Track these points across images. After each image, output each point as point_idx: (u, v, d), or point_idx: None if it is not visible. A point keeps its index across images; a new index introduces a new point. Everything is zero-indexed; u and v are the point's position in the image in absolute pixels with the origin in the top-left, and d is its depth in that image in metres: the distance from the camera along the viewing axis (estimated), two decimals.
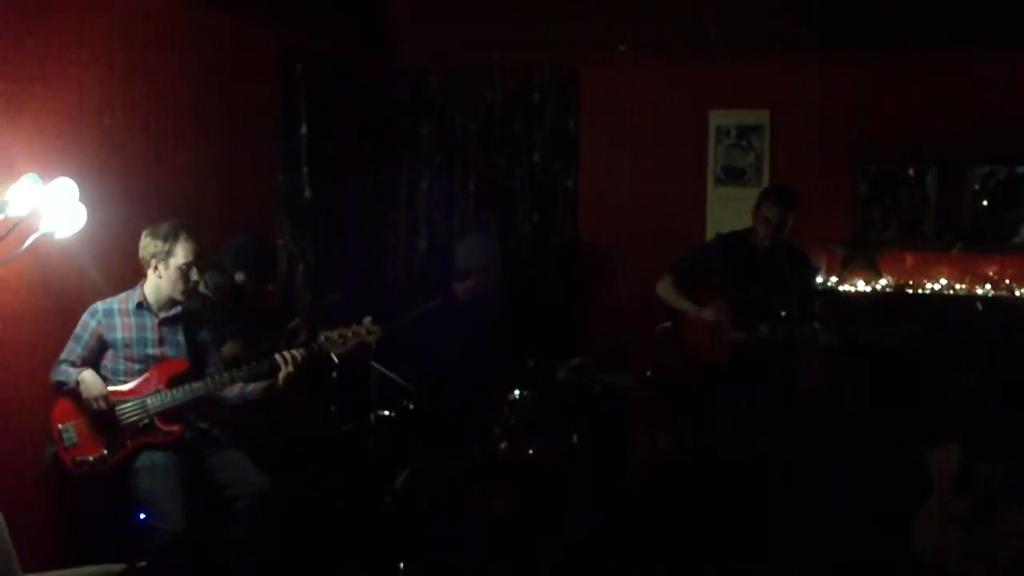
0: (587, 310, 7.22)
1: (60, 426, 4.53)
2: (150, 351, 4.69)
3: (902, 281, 6.37)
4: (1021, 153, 6.28)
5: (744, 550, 5.44)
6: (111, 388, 4.57)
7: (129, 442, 4.57)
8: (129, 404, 4.59)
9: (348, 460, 5.50)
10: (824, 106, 6.66)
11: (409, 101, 7.46)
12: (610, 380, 6.27)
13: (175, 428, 4.65)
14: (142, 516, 4.59)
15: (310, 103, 6.58)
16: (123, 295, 4.73)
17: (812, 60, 6.64)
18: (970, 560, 5.09)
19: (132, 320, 4.68)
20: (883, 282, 6.35)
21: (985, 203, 6.41)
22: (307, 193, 6.59)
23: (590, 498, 5.65)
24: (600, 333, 7.11)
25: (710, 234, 6.61)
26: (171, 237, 4.63)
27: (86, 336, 4.63)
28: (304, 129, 6.55)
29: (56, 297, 4.83)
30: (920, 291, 6.28)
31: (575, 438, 5.73)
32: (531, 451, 5.53)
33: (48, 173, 4.29)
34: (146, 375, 4.65)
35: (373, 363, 5.36)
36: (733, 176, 6.88)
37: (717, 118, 6.92)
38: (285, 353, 4.72)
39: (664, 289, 5.91)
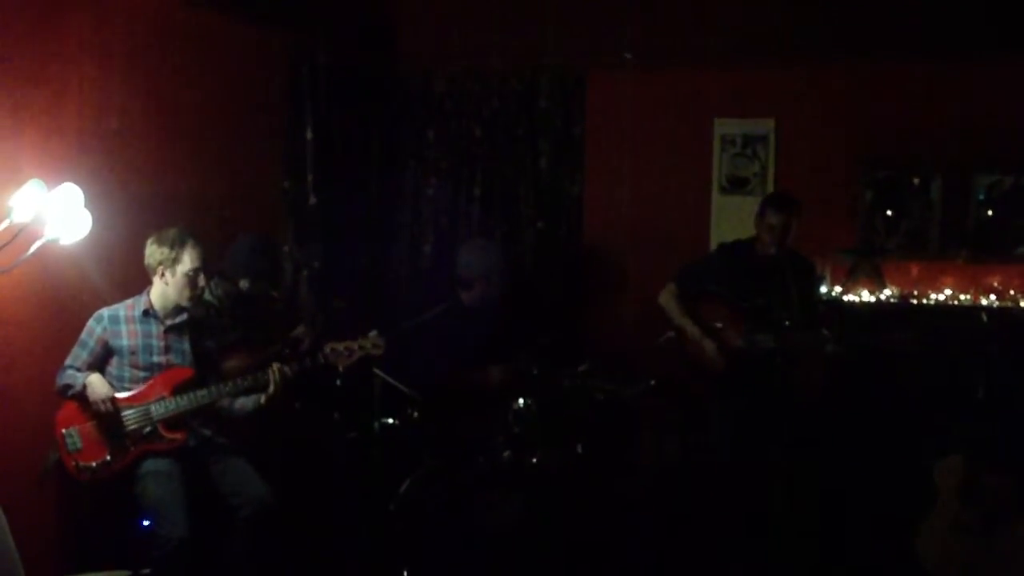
0: (591, 317, 7.21)
1: (64, 431, 4.54)
2: (155, 359, 4.69)
3: (907, 291, 6.35)
4: None
5: (749, 558, 5.43)
6: (116, 395, 4.56)
7: (133, 448, 4.58)
8: (133, 411, 4.59)
9: (352, 468, 5.49)
10: (829, 115, 6.65)
11: (415, 107, 7.45)
12: (614, 388, 6.24)
13: (179, 435, 4.65)
14: (146, 523, 4.58)
15: (316, 108, 6.58)
16: (129, 302, 4.73)
17: (817, 69, 6.63)
18: (974, 571, 5.07)
19: (138, 327, 4.68)
20: (888, 291, 6.34)
21: (990, 212, 6.39)
22: (312, 199, 6.58)
23: (594, 506, 5.64)
24: (604, 341, 7.09)
25: (714, 243, 6.59)
26: (178, 244, 4.63)
27: (91, 342, 4.63)
28: (310, 135, 6.55)
29: (61, 303, 4.83)
30: (925, 301, 6.27)
31: (579, 446, 5.72)
32: (535, 459, 5.51)
33: (53, 179, 4.29)
34: (150, 382, 4.65)
35: (376, 371, 5.35)
36: (738, 185, 6.86)
37: (722, 127, 6.91)
38: (275, 369, 4.71)
39: (667, 301, 5.90)
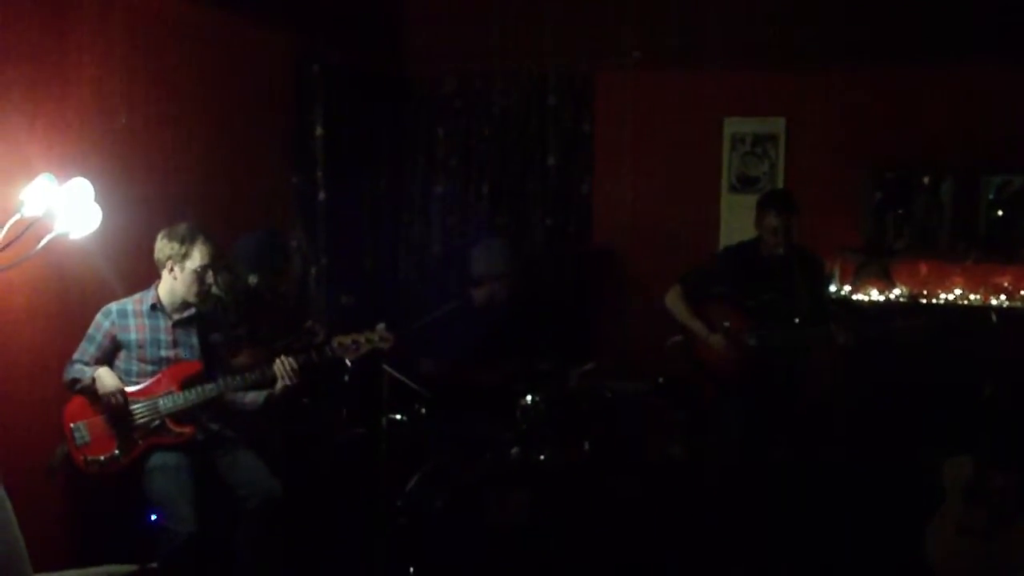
0: (600, 316, 7.21)
1: (72, 425, 4.55)
2: (163, 353, 4.70)
3: (916, 290, 6.35)
4: None
5: (756, 557, 5.43)
6: (124, 389, 4.58)
7: (141, 442, 4.59)
8: (141, 405, 4.60)
9: (359, 464, 5.49)
10: (839, 115, 6.66)
11: (424, 104, 7.47)
12: (622, 387, 6.25)
13: (187, 429, 4.66)
14: (154, 517, 4.60)
15: (326, 105, 6.59)
16: (137, 296, 4.74)
17: (827, 69, 6.63)
18: (981, 571, 5.06)
19: (146, 322, 4.69)
20: (897, 291, 6.33)
21: (1000, 212, 6.38)
22: (322, 195, 6.60)
23: (601, 504, 5.63)
24: (613, 339, 7.10)
25: (723, 242, 6.59)
26: (188, 239, 4.63)
27: (99, 337, 4.64)
28: (319, 131, 6.56)
29: (70, 297, 4.84)
30: (934, 301, 6.26)
31: (587, 445, 5.72)
32: (542, 457, 5.51)
33: (64, 173, 4.29)
34: (158, 376, 4.66)
35: (385, 367, 5.36)
36: (747, 184, 6.86)
37: (732, 126, 6.92)
38: (283, 362, 4.72)
39: (673, 302, 5.88)
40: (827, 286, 6.15)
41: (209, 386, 4.67)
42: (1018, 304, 6.12)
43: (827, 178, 6.63)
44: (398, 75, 7.39)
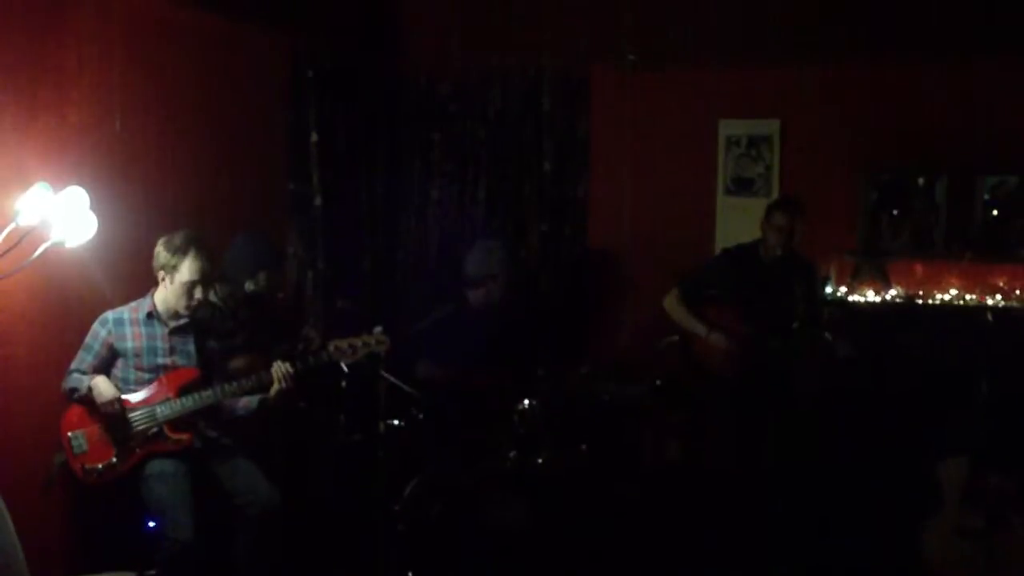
0: (596, 319, 7.21)
1: (70, 434, 4.55)
2: (160, 360, 4.70)
3: (912, 291, 6.35)
4: None
5: (753, 560, 5.43)
6: (121, 397, 4.58)
7: (139, 450, 4.58)
8: (139, 412, 4.60)
9: (357, 469, 5.50)
10: (834, 116, 6.65)
11: (419, 108, 7.46)
12: (619, 389, 6.26)
13: (184, 436, 4.66)
14: (152, 524, 4.60)
15: (321, 110, 6.59)
16: (133, 304, 4.74)
17: (822, 69, 6.62)
18: (979, 573, 5.07)
19: (142, 330, 4.69)
20: (893, 292, 6.34)
21: (995, 212, 6.39)
22: (317, 200, 6.60)
23: (599, 507, 5.64)
24: (609, 342, 7.10)
25: (719, 244, 6.59)
26: (180, 251, 4.62)
27: (96, 345, 4.64)
28: (315, 136, 6.57)
29: (67, 306, 4.84)
30: (930, 301, 6.26)
31: (584, 447, 5.72)
32: (540, 460, 5.52)
33: (59, 182, 4.30)
34: (155, 383, 4.66)
35: (383, 372, 5.36)
36: (742, 186, 6.86)
37: (727, 128, 6.91)
38: (280, 367, 4.72)
39: (671, 306, 5.91)
40: (821, 290, 6.16)
41: (206, 393, 4.67)
42: (1014, 304, 6.13)
43: (822, 179, 6.63)
44: (393, 79, 7.39)
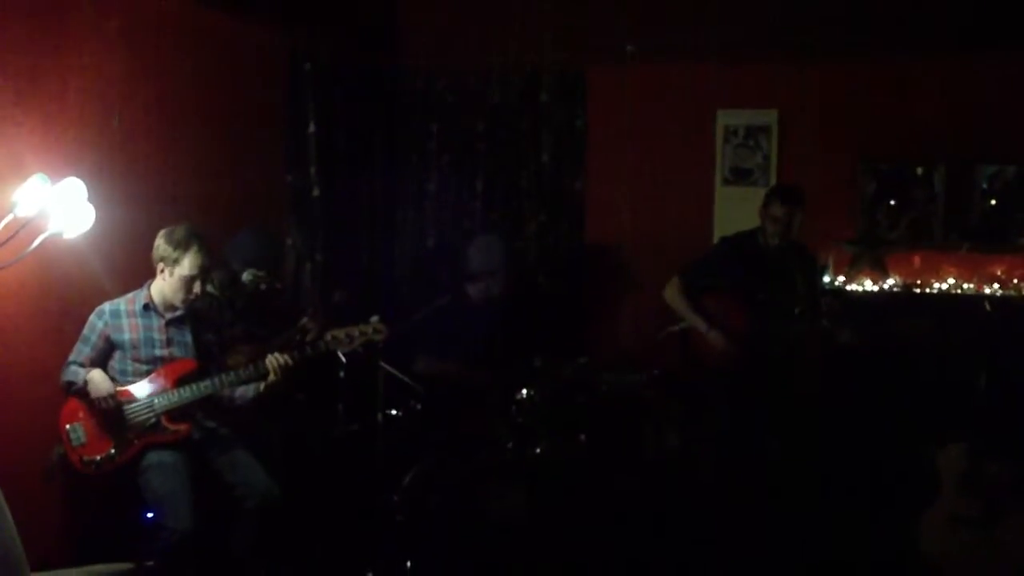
0: (595, 310, 7.22)
1: (68, 426, 4.55)
2: (157, 352, 4.70)
3: (910, 280, 6.36)
4: None
5: (751, 550, 5.44)
6: (119, 388, 4.58)
7: (137, 441, 4.59)
8: (136, 404, 4.60)
9: (355, 459, 5.50)
10: (832, 106, 6.66)
11: (417, 101, 7.46)
12: (618, 379, 6.26)
13: (182, 427, 4.67)
14: (150, 515, 4.61)
15: (318, 102, 6.59)
16: (130, 296, 4.74)
17: (820, 60, 6.62)
18: (977, 561, 5.07)
19: (139, 321, 4.69)
20: (891, 281, 6.35)
21: (993, 202, 6.40)
22: (315, 192, 6.60)
23: (598, 498, 5.65)
24: (607, 333, 7.11)
25: (718, 234, 6.60)
26: (182, 246, 4.62)
27: (93, 337, 4.64)
28: (312, 128, 6.57)
29: (64, 297, 4.83)
30: (928, 290, 6.27)
31: (582, 438, 5.73)
32: (538, 450, 5.53)
33: (57, 173, 4.30)
34: (153, 375, 4.66)
35: (381, 363, 5.37)
36: (741, 176, 6.87)
37: (725, 118, 6.91)
38: (276, 358, 4.72)
39: (672, 296, 5.91)
40: (820, 279, 6.17)
41: (204, 384, 4.67)
42: (1012, 293, 6.13)
43: (820, 169, 6.63)
44: (391, 71, 7.39)
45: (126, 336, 4.66)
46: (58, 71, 4.81)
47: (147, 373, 4.67)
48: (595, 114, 7.17)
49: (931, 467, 5.23)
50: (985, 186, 6.39)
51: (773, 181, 6.70)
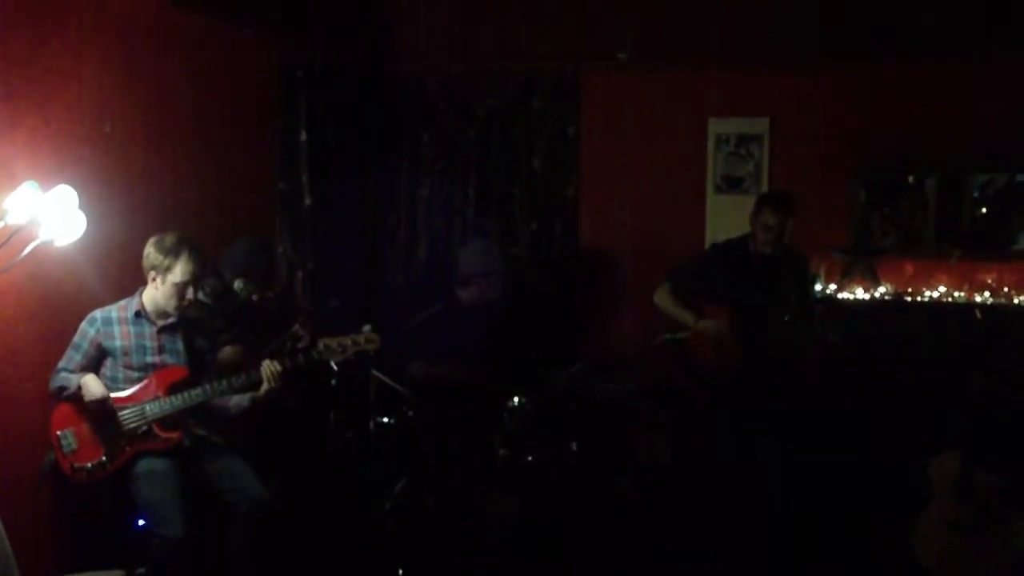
0: (587, 317, 7.22)
1: (59, 432, 4.54)
2: (149, 359, 4.69)
3: (901, 289, 6.37)
4: (1020, 160, 6.29)
5: (745, 556, 5.44)
6: (111, 395, 4.57)
7: (128, 448, 4.58)
8: (128, 411, 4.60)
9: (348, 467, 5.50)
10: (823, 114, 6.66)
11: (409, 108, 7.46)
12: (610, 387, 6.26)
13: (174, 435, 4.66)
14: (141, 523, 4.60)
15: (310, 110, 6.59)
16: (122, 303, 4.74)
17: (811, 68, 6.63)
18: (969, 567, 5.08)
19: (131, 328, 4.68)
20: (882, 289, 6.36)
21: (984, 210, 6.41)
22: (307, 200, 6.60)
23: (590, 505, 5.65)
24: (600, 340, 7.10)
25: (709, 242, 6.60)
26: (173, 253, 4.62)
27: (85, 345, 4.63)
28: (304, 136, 6.57)
29: (55, 305, 4.83)
30: (919, 299, 6.28)
31: (575, 445, 5.73)
32: (530, 458, 5.53)
33: (48, 181, 4.30)
34: (145, 382, 4.65)
35: (373, 371, 5.37)
36: (732, 184, 6.87)
37: (716, 126, 6.91)
38: (269, 366, 4.71)
39: (662, 298, 5.93)
40: (812, 285, 6.18)
41: (195, 391, 4.67)
42: (1003, 301, 6.14)
43: (812, 178, 6.63)
44: (383, 78, 7.39)
45: (118, 343, 4.65)
46: (49, 78, 4.81)
47: (139, 380, 4.66)
48: (588, 121, 7.17)
49: (923, 474, 5.24)
50: (976, 194, 6.40)
51: (765, 189, 6.69)
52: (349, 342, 4.90)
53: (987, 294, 6.20)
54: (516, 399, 5.59)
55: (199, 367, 4.81)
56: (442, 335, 5.89)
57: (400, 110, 7.45)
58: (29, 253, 4.22)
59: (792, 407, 5.81)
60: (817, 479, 5.85)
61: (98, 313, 4.68)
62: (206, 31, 5.81)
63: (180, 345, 4.80)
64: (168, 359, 4.75)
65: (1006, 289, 6.19)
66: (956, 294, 6.25)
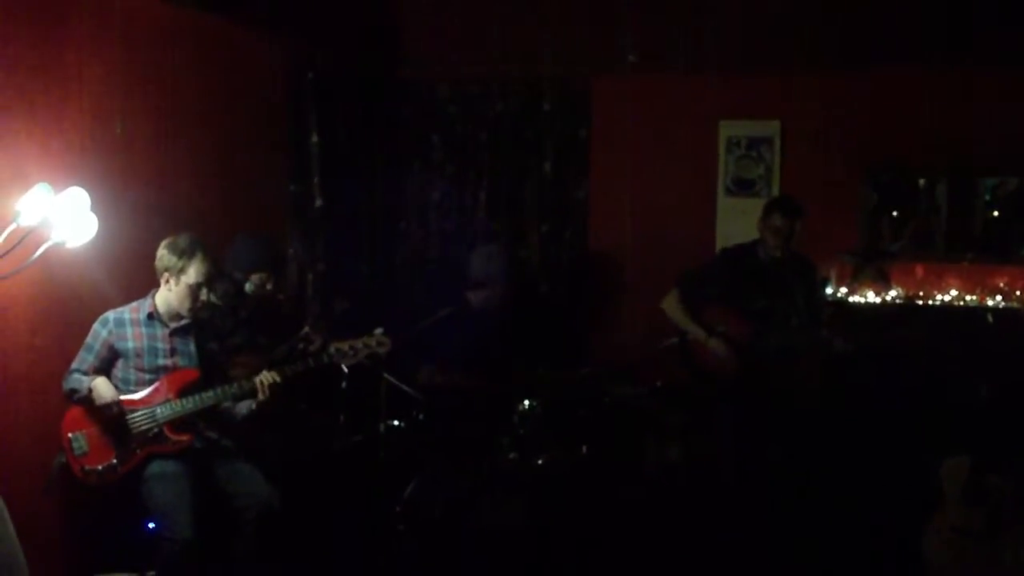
0: (597, 321, 7.22)
1: (70, 435, 4.54)
2: (161, 361, 4.70)
3: (912, 292, 6.36)
4: None
5: (753, 561, 5.43)
6: (121, 397, 4.58)
7: (139, 451, 4.58)
8: (139, 413, 4.59)
9: (358, 470, 5.50)
10: (834, 117, 6.67)
11: (420, 111, 7.47)
12: (620, 391, 6.26)
13: (185, 438, 4.66)
14: (151, 525, 4.60)
15: (321, 113, 6.60)
16: (134, 304, 4.74)
17: (822, 71, 6.64)
18: (979, 572, 5.06)
19: (143, 330, 4.69)
20: (893, 293, 6.35)
21: (996, 214, 6.40)
22: (318, 202, 6.61)
23: (599, 509, 5.64)
24: (610, 344, 7.10)
25: (720, 245, 6.60)
26: (187, 254, 4.62)
27: (97, 345, 4.63)
28: (315, 138, 6.58)
29: (67, 306, 4.83)
30: (930, 302, 6.27)
31: (584, 449, 5.72)
32: (540, 461, 5.52)
33: (60, 183, 4.30)
34: (156, 384, 4.65)
35: (384, 374, 5.37)
36: (743, 187, 6.87)
37: (727, 129, 6.92)
38: (265, 376, 4.71)
39: (670, 306, 5.91)
40: (822, 290, 6.17)
41: (207, 394, 4.67)
42: (1014, 305, 6.13)
43: (823, 181, 6.64)
44: (393, 81, 7.40)
45: (130, 345, 4.66)
46: (61, 80, 4.81)
47: (150, 382, 4.66)
48: (598, 124, 7.18)
49: (933, 479, 5.23)
50: (987, 198, 6.40)
51: (775, 192, 6.71)
52: (360, 345, 4.90)
53: (999, 298, 6.19)
54: (526, 402, 5.58)
55: (210, 370, 4.81)
56: (452, 338, 5.88)
57: (411, 113, 7.46)
58: (41, 255, 4.22)
59: (799, 410, 5.80)
60: (825, 483, 5.84)
61: (111, 314, 4.69)
62: (217, 34, 5.81)
63: (192, 347, 4.80)
64: (180, 361, 4.75)
65: (1017, 293, 6.18)
66: (967, 297, 6.24)
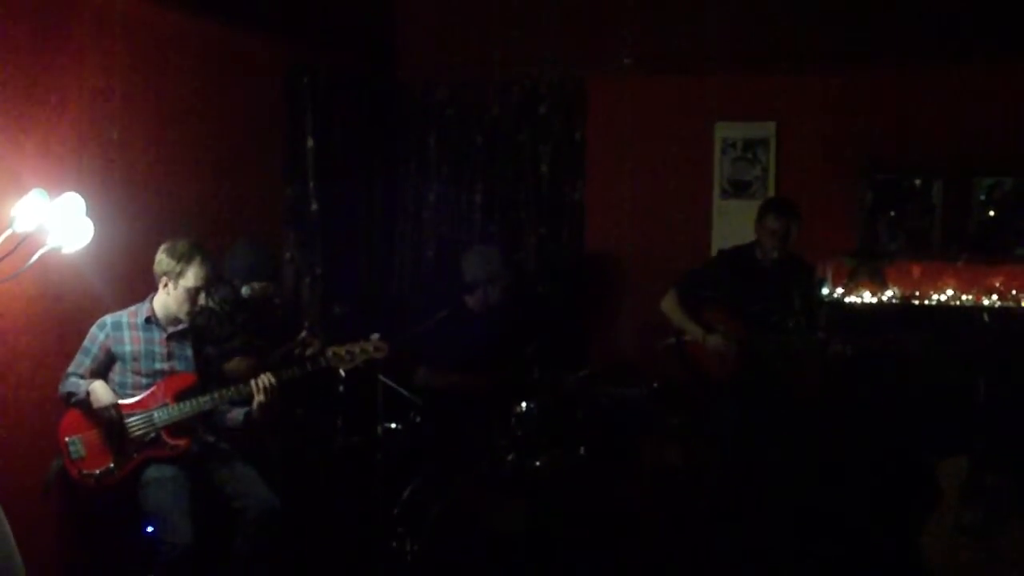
0: (594, 322, 7.22)
1: (67, 439, 4.54)
2: (158, 365, 4.70)
3: (909, 292, 6.36)
4: None
5: (752, 561, 5.43)
6: (119, 401, 4.57)
7: (136, 455, 4.58)
8: (136, 417, 4.60)
9: (355, 473, 5.50)
10: (830, 118, 6.67)
11: (416, 114, 7.47)
12: (617, 392, 6.26)
13: (182, 442, 4.66)
14: (150, 530, 4.60)
15: (317, 116, 6.59)
16: (132, 308, 4.74)
17: (818, 72, 6.64)
18: (978, 570, 5.07)
19: (140, 334, 4.69)
20: (889, 293, 6.35)
21: (991, 213, 6.40)
22: (314, 205, 6.60)
23: (597, 510, 5.64)
24: (607, 345, 7.10)
25: (715, 247, 6.61)
26: (185, 258, 4.63)
27: (94, 349, 4.64)
28: (311, 142, 6.57)
29: (63, 311, 4.83)
30: (927, 302, 6.27)
31: (582, 450, 5.72)
32: (538, 463, 5.52)
33: (55, 188, 4.30)
34: (153, 388, 4.66)
35: (381, 377, 5.37)
36: (739, 189, 6.87)
37: (723, 131, 6.92)
38: (263, 379, 4.71)
39: (669, 307, 5.92)
40: (818, 291, 6.17)
41: (204, 398, 4.67)
42: (1010, 304, 6.13)
43: (819, 181, 6.64)
44: (389, 84, 7.40)
45: (127, 348, 4.66)
46: (57, 86, 4.81)
47: (147, 386, 4.66)
48: (594, 126, 7.17)
49: (932, 478, 5.23)
50: (983, 197, 6.39)
51: (771, 193, 6.70)
52: (357, 350, 4.90)
53: (995, 297, 6.19)
54: (524, 404, 5.58)
55: (208, 374, 4.81)
56: (449, 341, 5.88)
57: (407, 116, 7.46)
58: (37, 260, 4.22)
59: (798, 410, 5.80)
60: (824, 483, 5.85)
61: (108, 318, 4.69)
62: (213, 38, 5.81)
63: (189, 352, 4.80)
64: (177, 366, 4.75)
65: (1014, 292, 6.19)
66: (964, 297, 6.25)
